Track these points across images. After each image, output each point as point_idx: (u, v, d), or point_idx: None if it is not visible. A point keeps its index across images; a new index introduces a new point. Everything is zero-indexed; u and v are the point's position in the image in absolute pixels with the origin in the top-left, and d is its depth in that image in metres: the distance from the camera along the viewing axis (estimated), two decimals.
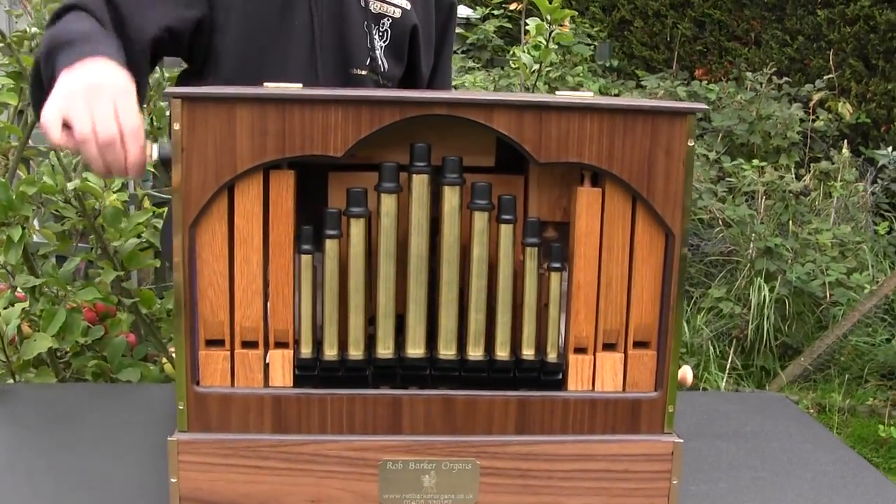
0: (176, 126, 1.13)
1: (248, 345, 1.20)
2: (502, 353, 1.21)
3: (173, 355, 2.16)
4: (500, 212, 1.19)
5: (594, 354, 1.20)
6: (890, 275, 4.13)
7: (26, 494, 1.29)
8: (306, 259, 1.19)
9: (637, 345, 1.21)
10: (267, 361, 1.19)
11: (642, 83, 5.53)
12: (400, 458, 1.19)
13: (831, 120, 4.86)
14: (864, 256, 4.28)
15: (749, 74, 4.86)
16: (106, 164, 1.25)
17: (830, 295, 4.05)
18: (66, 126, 1.24)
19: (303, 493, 1.19)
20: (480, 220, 1.18)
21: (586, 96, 1.19)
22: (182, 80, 1.71)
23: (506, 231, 1.19)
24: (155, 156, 1.26)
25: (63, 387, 1.87)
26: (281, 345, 1.20)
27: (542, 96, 1.17)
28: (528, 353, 1.21)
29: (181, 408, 1.19)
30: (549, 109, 1.15)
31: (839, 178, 4.56)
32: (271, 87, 1.17)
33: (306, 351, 1.20)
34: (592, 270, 1.19)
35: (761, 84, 4.55)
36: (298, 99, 1.14)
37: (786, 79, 4.77)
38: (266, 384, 1.20)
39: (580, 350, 1.21)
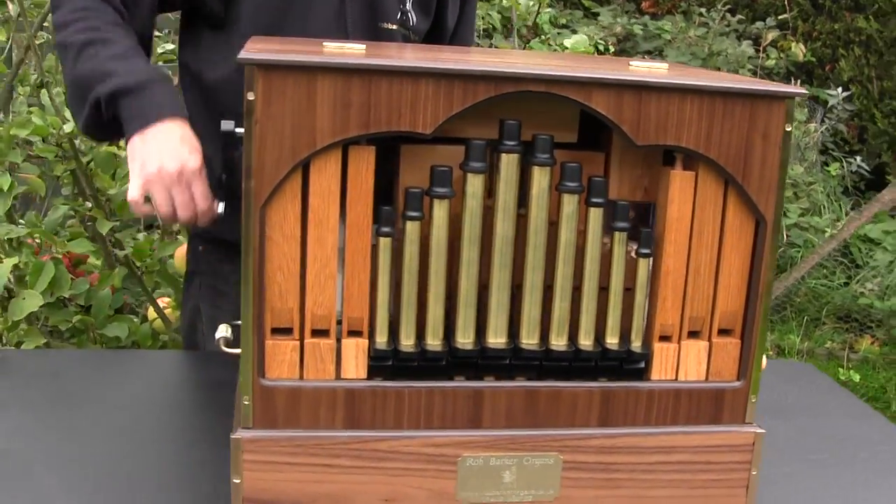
0: (250, 96, 1.03)
1: (319, 333, 1.11)
2: (586, 341, 1.15)
3: (163, 306, 2.05)
4: (590, 194, 1.12)
5: (679, 342, 1.16)
6: (848, 218, 4.19)
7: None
8: (385, 242, 1.10)
9: (721, 332, 1.17)
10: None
11: (594, 12, 5.43)
12: (480, 453, 1.13)
13: (781, 59, 4.90)
14: (816, 197, 4.33)
15: (702, 10, 4.83)
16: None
17: (787, 236, 4.10)
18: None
19: (376, 492, 1.12)
20: (570, 202, 1.12)
21: (676, 72, 1.13)
22: (187, 37, 1.58)
23: (595, 214, 1.12)
24: (220, 211, 1.37)
25: (65, 355, 1.72)
26: (354, 333, 1.12)
27: (640, 74, 1.11)
28: (612, 341, 1.15)
29: (246, 402, 1.09)
30: (649, 90, 1.08)
31: None
32: (334, 48, 1.08)
33: (381, 340, 1.12)
34: (682, 256, 1.14)
35: (714, 19, 4.54)
36: (387, 70, 1.04)
37: (739, 17, 4.77)
38: (338, 376, 1.12)
39: (665, 338, 1.16)
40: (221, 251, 1.63)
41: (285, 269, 1.08)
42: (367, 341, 1.12)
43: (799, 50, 4.97)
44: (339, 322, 1.11)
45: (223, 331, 1.24)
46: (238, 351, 1.19)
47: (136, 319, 1.96)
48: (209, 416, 1.39)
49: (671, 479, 1.17)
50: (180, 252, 1.95)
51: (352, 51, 1.09)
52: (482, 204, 1.10)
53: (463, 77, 1.06)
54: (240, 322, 1.18)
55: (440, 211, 1.10)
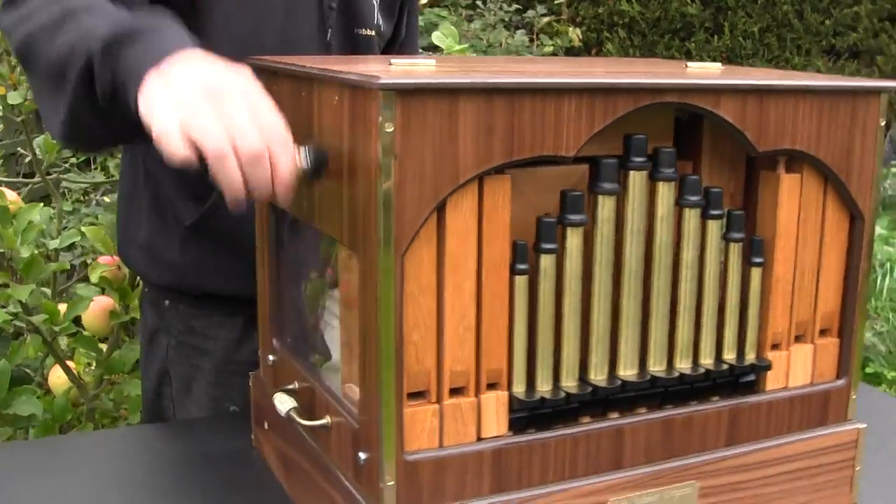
0: (389, 128, 0.87)
1: (456, 392, 0.97)
2: (707, 360, 1.09)
3: (73, 368, 1.72)
4: (709, 206, 1.06)
5: (788, 349, 1.13)
6: None
7: None
8: (521, 281, 0.98)
9: (821, 333, 1.15)
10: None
11: None
12: (625, 495, 1.04)
13: (558, 45, 4.97)
14: None
15: (479, 2, 4.78)
16: (249, 185, 0.92)
17: None
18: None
19: None
20: (693, 217, 1.05)
21: (755, 73, 1.09)
22: None
23: (714, 227, 1.06)
24: (305, 164, 0.97)
25: None
26: (492, 386, 0.99)
27: (758, 78, 1.05)
28: (730, 356, 1.10)
29: (390, 483, 0.94)
30: (769, 94, 1.04)
31: None
32: (405, 65, 0.95)
33: (520, 390, 1.00)
34: (790, 262, 1.10)
35: (491, 11, 4.52)
36: (529, 88, 0.92)
37: (516, 6, 4.78)
38: (479, 437, 0.98)
39: (775, 346, 1.12)
40: (195, 303, 1.41)
41: (422, 325, 0.94)
42: (507, 393, 0.99)
43: (575, 35, 5.12)
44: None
45: (286, 402, 1.07)
46: (321, 423, 1.03)
47: (38, 391, 1.65)
48: (211, 495, 1.19)
49: (790, 488, 1.13)
50: (93, 311, 1.68)
51: (428, 67, 0.97)
52: (615, 229, 1.01)
53: (604, 91, 0.96)
54: (293, 386, 1.08)
55: (574, 240, 0.99)
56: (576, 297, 1.00)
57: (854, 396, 1.16)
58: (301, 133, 1.01)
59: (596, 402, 1.03)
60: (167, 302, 1.43)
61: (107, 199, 2.26)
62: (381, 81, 0.86)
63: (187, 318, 1.42)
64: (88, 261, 1.96)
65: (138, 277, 1.64)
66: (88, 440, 1.39)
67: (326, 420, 1.06)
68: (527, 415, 1.00)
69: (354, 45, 1.40)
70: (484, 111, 0.91)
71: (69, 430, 1.72)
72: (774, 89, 1.04)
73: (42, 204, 1.77)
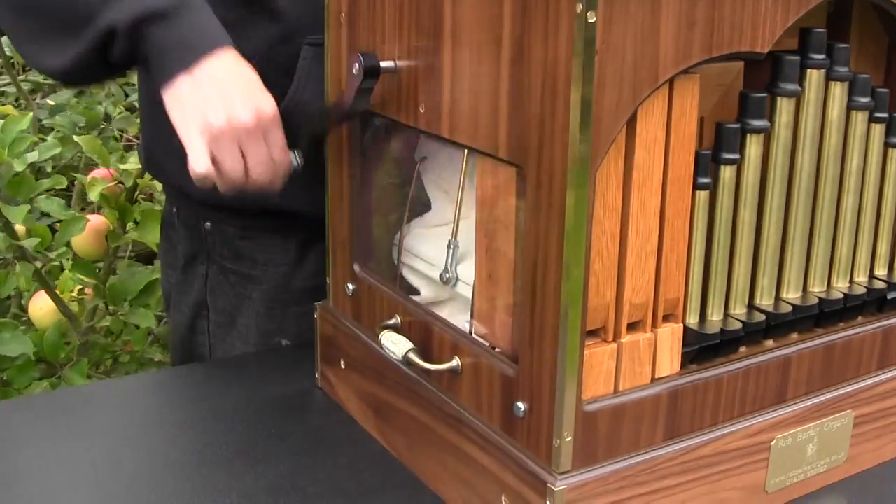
0: (591, 17, 0.72)
1: (632, 327, 0.85)
2: (861, 277, 0.99)
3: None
4: (876, 108, 0.95)
5: None
6: None
7: None
8: (703, 196, 0.85)
9: None
10: None
11: None
12: (790, 430, 0.94)
13: None
14: None
15: None
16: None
17: None
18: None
19: None
20: (862, 122, 0.93)
21: None
22: None
23: (878, 131, 0.95)
24: (296, 164, 1.06)
25: None
26: (667, 318, 0.87)
27: None
28: (881, 273, 1.00)
29: (568, 439, 0.81)
30: None
31: None
32: None
33: (692, 320, 0.88)
34: None
35: None
36: None
37: None
38: (653, 377, 0.86)
39: None
40: (247, 223, 1.22)
41: (605, 252, 0.80)
42: (681, 326, 0.87)
43: None
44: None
45: (399, 342, 0.93)
46: (449, 366, 0.90)
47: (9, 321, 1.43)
48: (287, 445, 1.04)
49: None
50: (86, 232, 1.46)
51: None
52: (793, 135, 0.89)
53: None
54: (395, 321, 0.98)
55: (754, 148, 0.87)
56: (752, 212, 0.88)
57: None
58: (422, 25, 0.88)
59: (764, 329, 0.92)
60: (208, 224, 1.25)
61: (50, 102, 2.00)
62: None
63: (234, 241, 1.24)
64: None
65: (139, 193, 1.43)
66: (124, 385, 1.20)
67: (456, 363, 0.92)
68: (698, 349, 0.88)
69: None
70: (687, 2, 0.76)
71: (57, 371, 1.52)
72: None
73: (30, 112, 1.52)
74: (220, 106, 0.96)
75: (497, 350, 0.89)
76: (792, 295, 0.94)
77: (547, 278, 0.79)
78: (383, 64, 0.94)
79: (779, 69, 0.87)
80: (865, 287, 0.98)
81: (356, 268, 1.07)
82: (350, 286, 1.07)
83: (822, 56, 0.88)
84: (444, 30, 0.86)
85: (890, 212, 0.99)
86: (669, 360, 0.87)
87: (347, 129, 1.05)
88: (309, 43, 1.16)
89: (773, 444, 0.93)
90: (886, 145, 0.96)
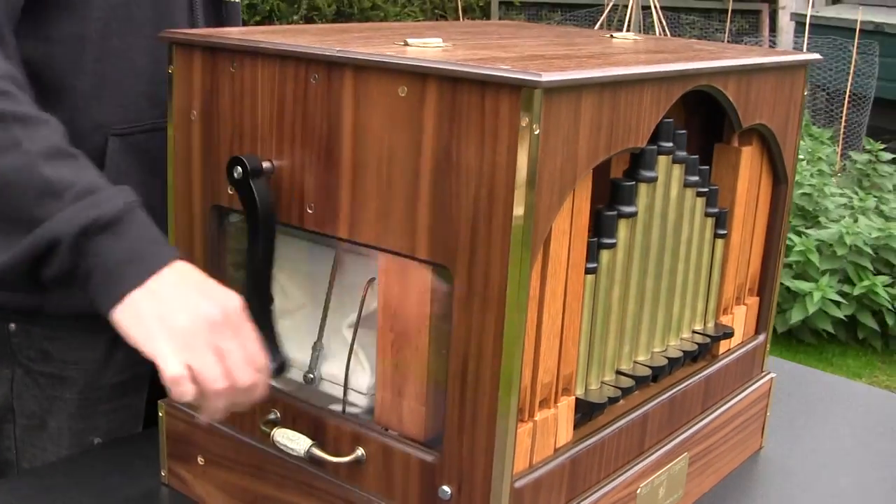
0: (536, 130, 0.78)
1: (542, 405, 0.91)
2: (686, 333, 1.12)
3: None
4: (701, 184, 1.08)
5: (732, 313, 1.19)
6: None
7: None
8: (590, 280, 0.93)
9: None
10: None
11: None
12: (649, 478, 1.04)
13: None
14: None
15: None
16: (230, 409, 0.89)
17: None
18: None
19: None
20: (691, 196, 1.06)
21: (721, 49, 1.12)
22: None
23: (701, 204, 1.08)
24: (272, 365, 0.95)
25: None
26: (566, 392, 0.94)
27: (749, 56, 1.07)
28: (698, 327, 1.14)
29: None
30: (756, 72, 1.07)
31: None
32: (418, 45, 0.87)
33: (580, 391, 0.96)
34: (740, 230, 1.16)
35: None
36: (627, 80, 0.87)
37: None
38: (555, 448, 0.93)
39: (725, 311, 1.18)
40: (55, 325, 1.13)
41: (527, 339, 0.86)
42: (574, 398, 0.95)
43: None
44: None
45: (297, 439, 0.95)
46: (353, 458, 0.92)
47: None
48: None
49: (737, 440, 1.21)
50: None
51: (441, 47, 0.89)
52: (650, 216, 1.00)
53: (669, 79, 0.93)
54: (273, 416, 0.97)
55: (624, 232, 0.96)
56: (621, 288, 0.98)
57: (768, 349, 1.26)
58: (310, 125, 0.90)
59: (628, 389, 1.01)
60: (13, 325, 1.14)
61: None
62: (545, 79, 0.76)
63: (41, 343, 1.15)
64: None
65: None
66: None
67: (360, 453, 0.93)
68: (584, 415, 0.96)
69: (221, 13, 1.21)
70: (596, 107, 0.84)
71: None
72: (759, 68, 1.07)
73: None
74: (183, 309, 0.86)
75: (405, 438, 0.92)
76: (643, 357, 1.05)
77: (481, 367, 0.83)
78: (264, 165, 0.93)
79: (640, 159, 0.97)
80: (695, 343, 1.10)
81: None
82: None
83: (670, 143, 0.99)
84: (343, 131, 0.88)
85: (705, 272, 1.12)
86: (566, 430, 0.94)
87: (200, 227, 1.02)
88: (114, 133, 1.11)
89: (638, 492, 1.03)
90: (706, 215, 1.10)
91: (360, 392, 0.98)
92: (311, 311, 1.02)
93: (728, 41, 6.56)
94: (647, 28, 5.90)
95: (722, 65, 1.00)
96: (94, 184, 0.88)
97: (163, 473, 1.10)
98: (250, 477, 1.02)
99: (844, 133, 5.52)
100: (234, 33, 0.98)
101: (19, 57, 1.01)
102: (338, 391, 0.99)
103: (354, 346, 0.97)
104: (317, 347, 1.01)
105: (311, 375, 1.01)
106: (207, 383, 0.86)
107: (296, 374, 1.02)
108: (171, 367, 0.85)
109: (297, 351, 1.02)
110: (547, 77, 0.76)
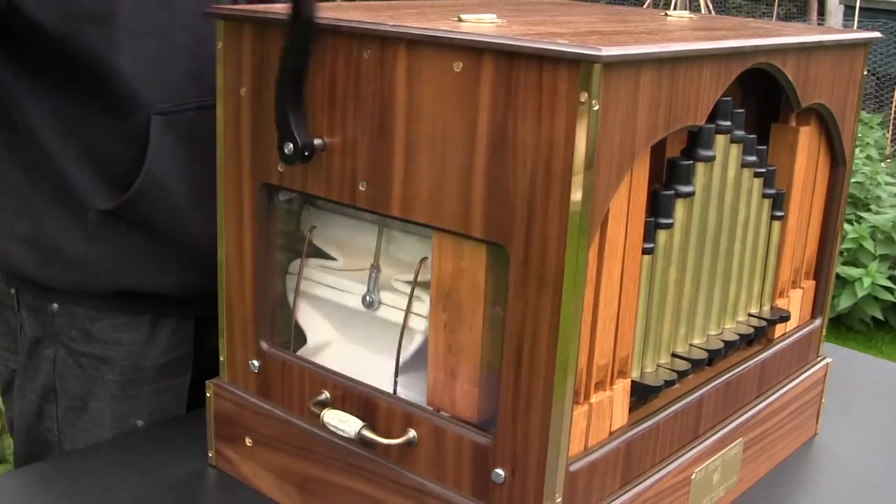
0: (595, 105, 0.76)
1: (597, 387, 0.89)
2: (742, 317, 1.10)
3: None
4: (759, 164, 1.05)
5: (787, 296, 1.16)
6: None
7: None
8: (647, 260, 0.91)
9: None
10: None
11: None
12: (703, 463, 1.03)
13: None
14: None
15: None
16: None
17: None
18: None
19: None
20: (748, 177, 1.04)
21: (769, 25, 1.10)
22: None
23: (758, 185, 1.06)
24: None
25: None
26: (620, 375, 0.92)
27: (806, 34, 1.04)
28: (755, 310, 1.12)
29: (558, 500, 0.84)
30: (814, 50, 1.04)
31: None
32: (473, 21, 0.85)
33: (636, 374, 0.94)
34: (797, 213, 1.14)
35: None
36: (686, 56, 0.85)
37: None
38: (610, 431, 0.91)
39: (781, 295, 1.16)
40: (99, 304, 1.13)
41: (583, 321, 0.84)
42: (629, 381, 0.93)
43: None
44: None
45: (347, 420, 0.93)
46: (404, 440, 0.91)
47: None
48: None
49: (792, 426, 1.19)
50: None
51: (495, 25, 0.87)
52: (707, 196, 0.97)
53: (728, 56, 0.90)
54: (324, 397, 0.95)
55: (681, 212, 0.94)
56: (677, 270, 0.96)
57: (824, 334, 1.24)
58: (362, 102, 0.88)
59: (683, 372, 0.99)
60: (55, 305, 1.14)
61: None
62: (604, 53, 0.74)
63: (84, 323, 1.15)
64: None
65: None
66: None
67: (412, 435, 0.92)
68: (639, 398, 0.95)
69: None
70: (655, 83, 0.82)
71: None
72: (818, 45, 1.04)
73: None
74: None
75: (457, 419, 0.90)
76: (698, 340, 1.03)
77: (536, 349, 0.82)
78: (315, 142, 0.92)
79: (698, 137, 0.94)
80: (751, 326, 1.08)
81: (263, 344, 1.03)
82: (255, 363, 1.04)
83: (728, 122, 0.97)
84: (396, 108, 0.86)
85: (762, 255, 1.10)
86: (621, 414, 0.92)
87: (250, 205, 1.01)
88: (158, 112, 1.11)
89: (692, 477, 1.01)
90: (763, 196, 1.07)
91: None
92: (360, 274, 1.01)
93: None
94: (693, 11, 5.85)
95: (781, 42, 0.98)
96: None
97: (210, 454, 1.10)
98: (299, 458, 1.01)
99: (895, 118, 5.43)
100: (285, 9, 0.96)
101: None
102: (397, 317, 0.97)
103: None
104: (373, 269, 0.99)
105: (370, 298, 0.99)
106: None
107: (354, 302, 1.01)
108: None
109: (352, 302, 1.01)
110: (606, 52, 0.74)
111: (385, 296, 0.99)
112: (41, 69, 1.08)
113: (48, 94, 1.09)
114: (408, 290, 0.96)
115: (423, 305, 0.95)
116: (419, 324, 0.96)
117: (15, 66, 1.09)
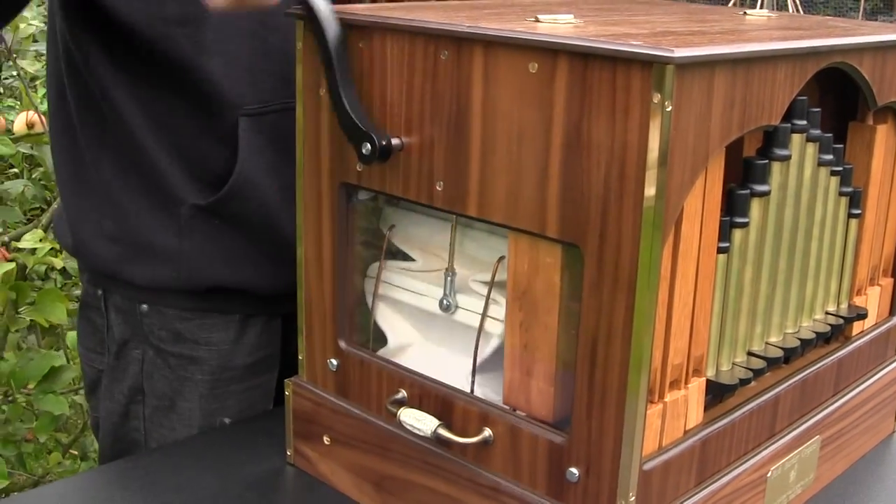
0: (668, 106, 0.76)
1: (672, 386, 0.90)
2: (819, 315, 1.09)
3: None
4: (835, 163, 1.05)
5: (865, 293, 1.15)
6: None
7: None
8: (722, 259, 0.91)
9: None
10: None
11: None
12: (780, 461, 1.02)
13: None
14: None
15: None
16: None
17: None
18: None
19: None
20: (825, 176, 1.03)
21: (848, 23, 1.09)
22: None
23: (835, 183, 1.05)
24: None
25: None
26: (695, 374, 0.92)
27: (881, 33, 1.04)
28: (832, 308, 1.11)
29: (632, 499, 0.85)
30: (891, 49, 1.03)
31: None
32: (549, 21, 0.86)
33: (711, 373, 0.95)
34: (875, 211, 1.12)
35: None
36: (760, 56, 0.85)
37: None
38: (685, 430, 0.92)
39: (858, 292, 1.15)
40: (189, 302, 1.16)
41: (657, 320, 0.84)
42: (704, 380, 0.93)
43: None
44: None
45: (423, 419, 0.94)
46: (480, 438, 0.92)
47: None
48: None
49: (870, 424, 1.18)
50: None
51: (571, 25, 0.87)
52: (784, 196, 0.97)
53: (803, 56, 0.90)
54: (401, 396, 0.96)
55: (756, 211, 0.94)
56: (753, 269, 0.96)
57: None
58: (439, 102, 0.90)
59: (759, 371, 0.99)
60: (145, 306, 1.18)
61: None
62: (677, 55, 0.74)
63: (173, 323, 1.18)
64: None
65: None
66: (86, 483, 1.10)
67: (488, 433, 0.93)
68: (715, 397, 0.95)
69: None
70: (729, 83, 0.82)
71: None
72: (895, 44, 1.03)
73: None
74: None
75: (533, 418, 0.91)
76: (774, 338, 1.02)
77: (611, 348, 0.82)
78: (393, 142, 0.94)
79: (774, 137, 0.94)
80: (828, 324, 1.07)
81: (342, 343, 1.05)
82: (333, 361, 1.06)
83: (804, 121, 0.97)
84: (473, 108, 0.88)
85: (839, 253, 1.09)
86: (696, 412, 0.93)
87: (329, 204, 1.03)
88: (245, 114, 1.13)
89: (768, 475, 1.01)
90: (840, 195, 1.06)
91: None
92: (438, 276, 1.02)
93: (862, 19, 6.37)
94: (780, 6, 5.76)
95: (857, 41, 0.97)
96: None
97: (288, 452, 1.12)
98: (375, 456, 1.03)
99: None
100: (362, 9, 0.98)
101: None
102: (473, 321, 0.98)
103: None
104: (448, 273, 1.00)
105: (447, 302, 1.01)
106: None
107: (432, 305, 1.02)
108: None
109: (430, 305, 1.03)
110: (679, 53, 0.75)
111: (462, 299, 1.00)
112: (135, 67, 1.11)
113: (141, 91, 1.12)
114: (484, 290, 0.97)
115: (499, 308, 0.96)
116: (496, 327, 0.97)
117: (111, 63, 1.11)
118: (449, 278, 1.01)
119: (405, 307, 1.06)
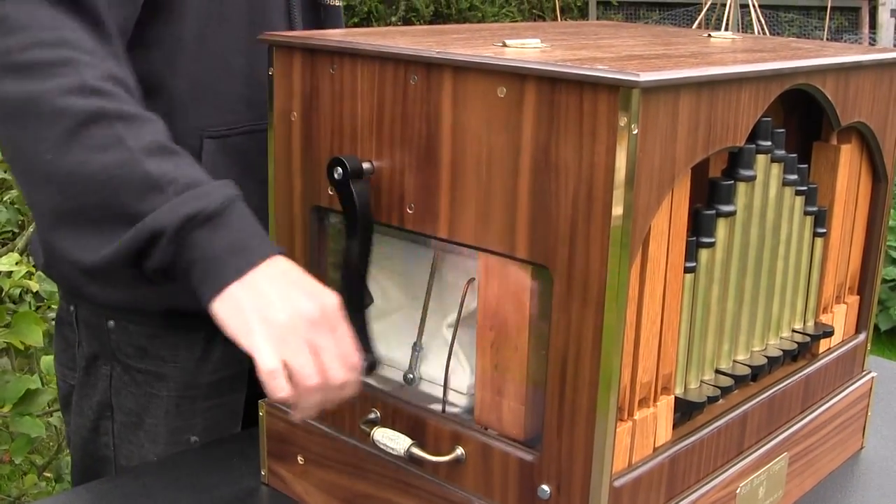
0: (634, 129, 0.78)
1: (641, 404, 0.91)
2: (785, 332, 1.11)
3: None
4: (799, 183, 1.07)
5: (832, 311, 1.17)
6: None
7: None
8: (690, 278, 0.93)
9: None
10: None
11: None
12: (748, 478, 1.04)
13: None
14: None
15: None
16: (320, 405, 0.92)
17: None
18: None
19: None
20: (790, 196, 1.05)
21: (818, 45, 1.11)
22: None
23: (799, 203, 1.07)
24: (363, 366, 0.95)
25: None
26: (665, 391, 0.94)
27: (847, 54, 1.06)
28: (797, 325, 1.12)
29: None
30: (854, 69, 1.05)
31: None
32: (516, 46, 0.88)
33: (679, 391, 0.96)
34: (840, 229, 1.14)
35: None
36: (724, 79, 0.87)
37: None
38: (654, 447, 0.93)
39: (825, 310, 1.16)
40: (153, 322, 1.17)
41: (626, 339, 0.86)
42: (673, 397, 0.94)
43: None
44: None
45: (396, 439, 0.96)
46: (452, 457, 0.93)
47: None
48: None
49: (837, 440, 1.19)
50: None
51: (539, 50, 0.89)
52: (748, 215, 0.99)
53: (765, 78, 0.92)
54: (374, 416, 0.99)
55: (722, 231, 0.96)
56: (720, 288, 0.97)
57: (869, 348, 1.24)
58: (409, 126, 0.91)
59: (727, 388, 1.01)
60: (111, 323, 1.18)
61: None
62: (643, 79, 0.76)
63: (139, 340, 1.18)
64: None
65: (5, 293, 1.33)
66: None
67: (460, 452, 0.94)
68: (683, 415, 0.96)
69: (322, 19, 1.24)
70: (694, 106, 0.84)
71: None
72: (857, 65, 1.05)
73: None
74: (280, 304, 0.88)
75: (504, 437, 0.92)
76: (742, 356, 1.04)
77: (580, 367, 0.83)
78: (364, 165, 0.95)
79: (739, 158, 0.96)
80: (795, 342, 1.09)
81: None
82: None
83: (768, 142, 0.99)
84: (442, 132, 0.89)
85: (805, 271, 1.11)
86: (665, 430, 0.94)
87: (301, 227, 1.04)
88: (209, 136, 1.14)
89: (737, 492, 1.02)
90: (805, 214, 1.08)
91: (459, 392, 0.99)
92: (410, 311, 1.03)
93: (827, 38, 6.43)
94: (745, 26, 5.81)
95: (820, 63, 0.99)
96: (196, 178, 0.91)
97: (263, 472, 1.13)
98: (349, 476, 1.03)
99: None
100: (334, 35, 1.00)
101: (130, 66, 1.03)
102: (437, 391, 1.00)
103: (454, 347, 0.98)
104: (416, 347, 1.02)
105: (411, 376, 1.03)
106: (302, 379, 0.88)
107: (395, 374, 1.04)
108: (268, 362, 0.87)
109: (397, 351, 1.03)
110: (644, 77, 0.76)
111: (426, 368, 1.02)
112: None
113: None
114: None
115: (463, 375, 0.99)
116: (459, 399, 0.99)
117: None
118: (415, 353, 1.02)
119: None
